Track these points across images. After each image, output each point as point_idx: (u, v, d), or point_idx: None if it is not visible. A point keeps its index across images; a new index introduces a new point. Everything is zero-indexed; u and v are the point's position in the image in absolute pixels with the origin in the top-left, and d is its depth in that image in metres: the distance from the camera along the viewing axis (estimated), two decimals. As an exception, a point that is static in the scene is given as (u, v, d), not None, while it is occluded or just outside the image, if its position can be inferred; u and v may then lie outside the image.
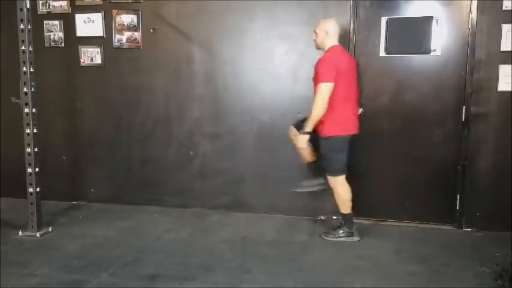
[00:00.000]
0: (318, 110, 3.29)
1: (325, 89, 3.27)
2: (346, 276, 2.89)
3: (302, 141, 3.39)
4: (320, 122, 3.35)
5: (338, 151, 3.41)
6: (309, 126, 3.34)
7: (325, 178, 3.53)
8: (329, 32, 3.42)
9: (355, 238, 3.51)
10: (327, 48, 3.44)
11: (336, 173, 3.44)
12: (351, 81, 3.45)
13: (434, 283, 2.81)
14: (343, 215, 3.52)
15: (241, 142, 4.11)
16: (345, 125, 3.42)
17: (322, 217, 4.02)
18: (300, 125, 3.48)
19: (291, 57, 3.98)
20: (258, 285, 2.77)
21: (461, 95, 3.71)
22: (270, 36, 3.99)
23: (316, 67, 3.37)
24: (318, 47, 3.50)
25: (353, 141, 3.47)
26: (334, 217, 3.99)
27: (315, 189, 3.64)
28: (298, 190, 3.69)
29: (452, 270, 2.98)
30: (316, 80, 3.34)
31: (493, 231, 3.66)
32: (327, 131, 3.38)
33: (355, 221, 3.57)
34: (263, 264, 3.06)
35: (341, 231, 3.53)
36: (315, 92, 3.35)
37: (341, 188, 3.46)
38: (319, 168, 3.57)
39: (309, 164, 3.66)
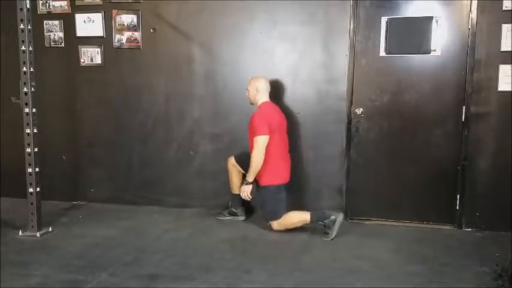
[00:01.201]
0: (257, 161, 3.59)
1: (262, 141, 3.57)
2: (346, 276, 2.89)
3: (246, 191, 3.67)
4: (258, 173, 3.64)
5: (276, 198, 3.67)
6: (250, 177, 3.65)
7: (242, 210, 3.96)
8: (259, 89, 3.72)
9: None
10: (259, 104, 3.74)
11: (276, 218, 3.66)
12: (282, 133, 3.74)
13: (434, 283, 2.81)
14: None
15: (241, 142, 4.11)
16: (281, 175, 3.71)
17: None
18: (241, 157, 3.81)
19: (291, 57, 3.98)
20: (258, 285, 2.77)
21: (461, 95, 3.71)
22: (270, 36, 3.99)
23: (251, 122, 3.65)
24: (251, 103, 3.79)
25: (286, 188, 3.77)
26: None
27: (227, 218, 3.98)
28: (219, 218, 3.99)
29: (452, 270, 2.98)
30: (252, 134, 3.63)
31: (493, 231, 3.66)
32: (265, 181, 3.67)
33: (357, 221, 3.61)
34: (263, 264, 3.06)
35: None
36: (250, 146, 3.65)
37: (288, 222, 3.66)
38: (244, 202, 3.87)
39: (236, 195, 3.90)
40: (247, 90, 3.77)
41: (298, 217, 3.65)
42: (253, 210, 4.09)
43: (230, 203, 3.98)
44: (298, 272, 2.95)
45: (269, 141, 3.59)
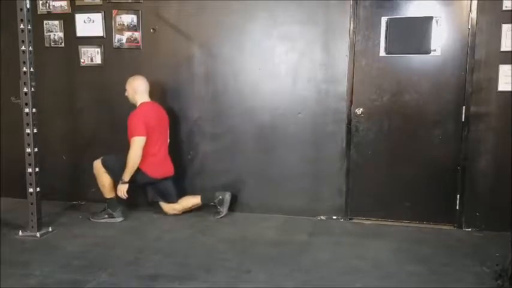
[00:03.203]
0: (133, 161, 3.73)
1: (138, 142, 3.72)
2: (346, 276, 2.89)
3: (123, 190, 3.79)
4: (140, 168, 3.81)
5: (142, 181, 3.89)
6: (126, 176, 3.77)
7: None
8: (137, 90, 3.86)
9: (118, 219, 3.92)
10: (138, 103, 3.87)
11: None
12: (162, 132, 3.94)
13: (434, 283, 2.81)
14: (107, 199, 3.93)
15: (241, 142, 4.11)
16: (158, 170, 3.90)
17: (323, 217, 4.03)
18: (108, 161, 3.89)
19: (291, 57, 3.98)
20: (258, 285, 2.77)
21: (461, 95, 3.71)
22: (270, 36, 3.99)
23: (128, 122, 3.76)
24: (131, 102, 3.91)
25: (171, 182, 4.01)
26: (334, 217, 4.01)
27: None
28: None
29: (452, 270, 2.98)
30: (129, 134, 3.75)
31: (493, 231, 3.66)
32: (142, 169, 3.83)
33: (357, 221, 3.56)
34: (263, 264, 3.06)
35: (105, 215, 3.94)
36: (129, 144, 3.75)
37: (100, 175, 3.89)
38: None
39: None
40: (126, 90, 3.89)
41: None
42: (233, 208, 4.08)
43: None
44: (298, 272, 2.95)
45: (148, 140, 3.75)
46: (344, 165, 3.96)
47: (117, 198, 3.90)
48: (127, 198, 3.84)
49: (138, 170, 3.80)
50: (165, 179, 3.98)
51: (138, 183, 3.89)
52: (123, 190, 3.79)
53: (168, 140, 4.06)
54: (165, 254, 3.22)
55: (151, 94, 4.03)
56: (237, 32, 4.05)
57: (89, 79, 4.35)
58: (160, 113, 3.97)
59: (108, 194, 3.92)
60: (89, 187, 4.46)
